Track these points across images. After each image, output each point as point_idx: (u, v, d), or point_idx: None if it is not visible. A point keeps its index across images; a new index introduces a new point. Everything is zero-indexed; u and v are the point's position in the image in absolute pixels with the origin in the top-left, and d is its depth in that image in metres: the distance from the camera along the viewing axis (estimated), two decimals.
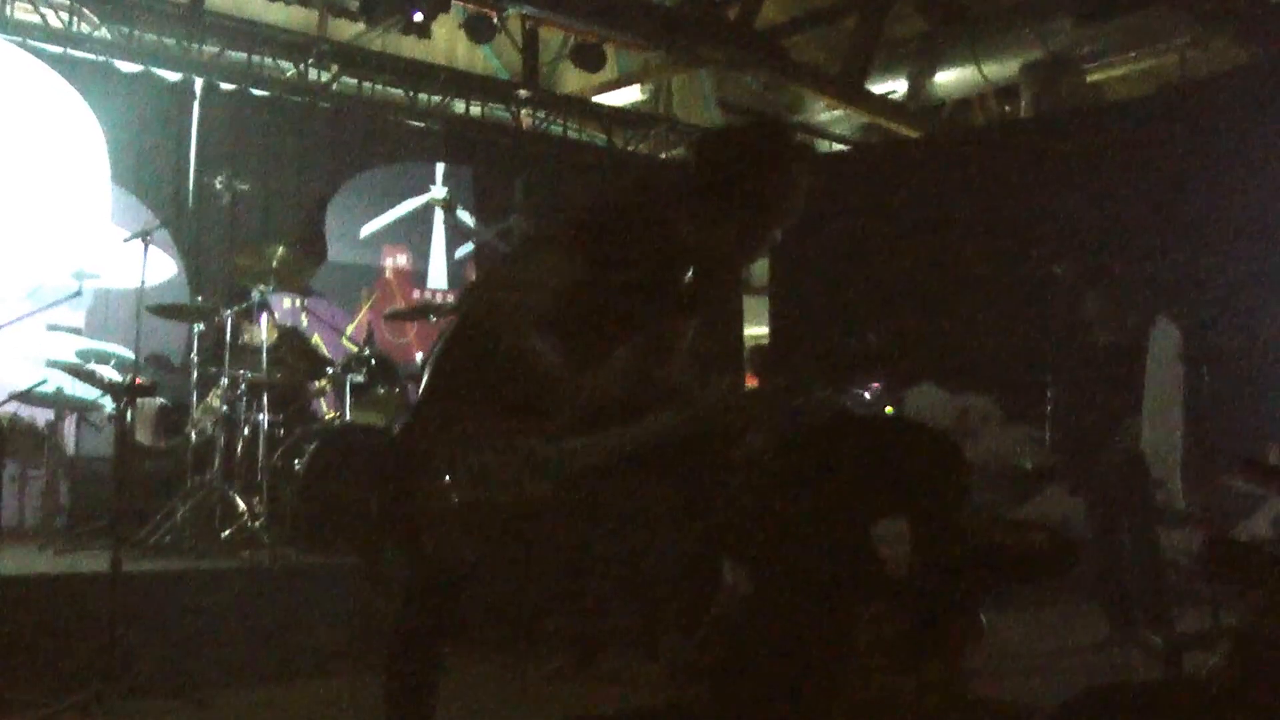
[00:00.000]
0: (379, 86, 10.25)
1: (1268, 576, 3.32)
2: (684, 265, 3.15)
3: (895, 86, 11.52)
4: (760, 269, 11.14)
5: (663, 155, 11.52)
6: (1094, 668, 5.34)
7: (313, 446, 6.75)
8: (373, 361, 7.52)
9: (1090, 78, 11.30)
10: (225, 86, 9.24)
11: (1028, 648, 5.46)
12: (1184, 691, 3.03)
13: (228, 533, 6.30)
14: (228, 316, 6.96)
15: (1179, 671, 4.48)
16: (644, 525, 3.07)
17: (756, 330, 11.56)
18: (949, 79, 11.34)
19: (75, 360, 7.19)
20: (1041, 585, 5.77)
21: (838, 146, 12.35)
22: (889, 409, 8.53)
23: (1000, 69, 11.08)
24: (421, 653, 3.07)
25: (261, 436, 6.73)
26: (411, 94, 10.34)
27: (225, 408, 6.74)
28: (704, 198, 3.04)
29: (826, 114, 11.98)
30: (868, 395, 8.50)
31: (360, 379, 7.31)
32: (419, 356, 6.05)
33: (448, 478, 2.82)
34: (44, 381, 6.72)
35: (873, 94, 11.43)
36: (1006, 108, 11.75)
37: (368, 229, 10.02)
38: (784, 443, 3.26)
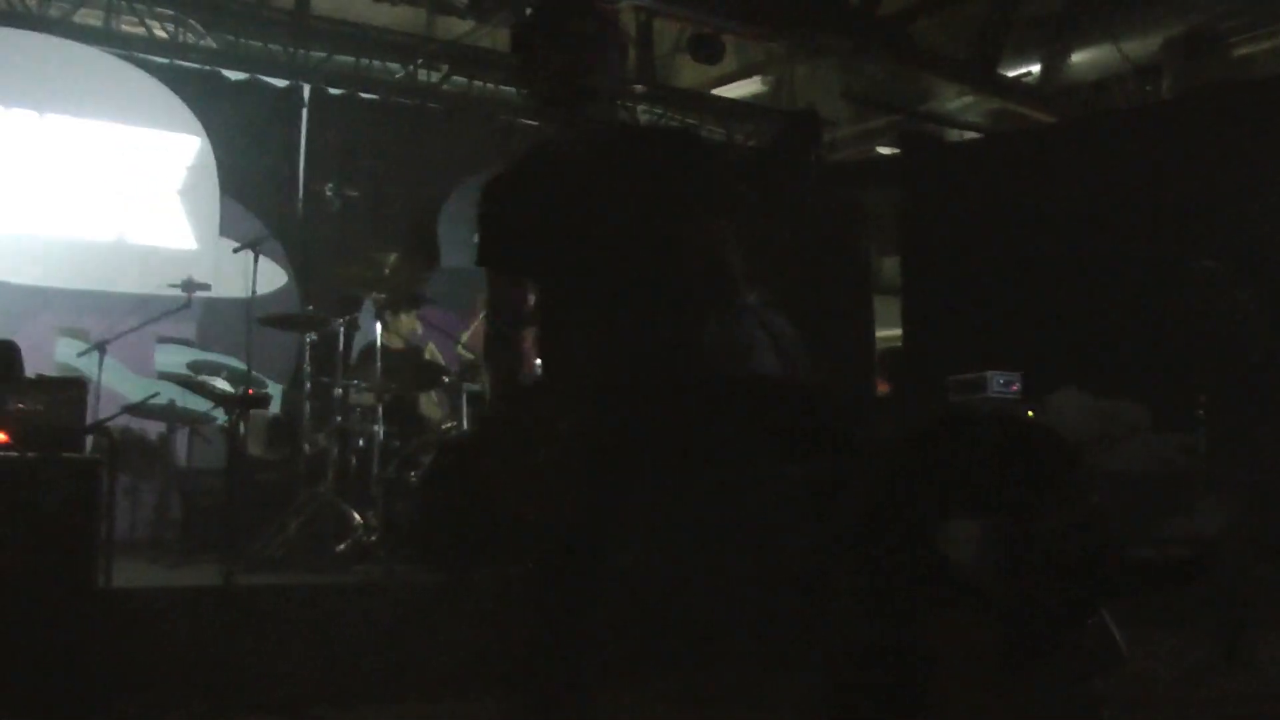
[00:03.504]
0: (490, 85, 10.05)
1: None
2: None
3: (1029, 69, 10.99)
4: (892, 267, 10.73)
5: None
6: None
7: (429, 459, 6.52)
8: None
9: (1237, 52, 10.66)
10: (333, 91, 9.13)
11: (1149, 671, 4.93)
12: None
13: (342, 547, 6.08)
14: (339, 326, 6.78)
15: None
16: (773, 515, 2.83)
17: (888, 332, 11.09)
18: (1086, 59, 10.78)
19: (186, 372, 7.21)
20: (1164, 597, 5.25)
21: (969, 135, 11.81)
22: (1030, 413, 8.02)
23: (1140, 46, 10.50)
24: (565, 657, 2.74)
25: (376, 448, 6.51)
26: (523, 91, 10.05)
27: (339, 419, 6.53)
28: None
29: (957, 101, 11.47)
30: (1004, 397, 7.99)
31: (477, 388, 7.06)
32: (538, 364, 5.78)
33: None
34: (156, 394, 6.74)
35: (1005, 78, 10.89)
36: (1148, 88, 11.14)
37: None
38: (885, 445, 2.97)
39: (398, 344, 7.45)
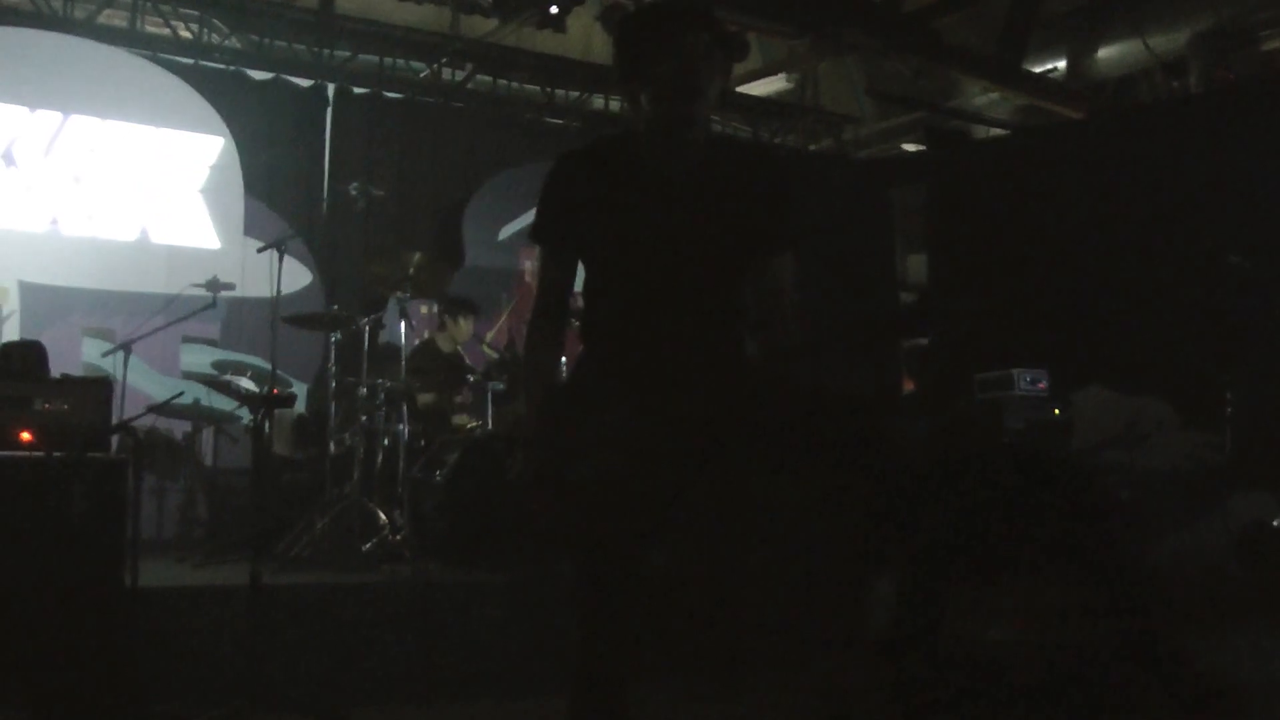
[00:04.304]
0: (514, 84, 10.07)
1: None
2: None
3: (1055, 65, 10.90)
4: (918, 264, 10.65)
5: (810, 147, 11.08)
6: None
7: (454, 458, 6.50)
8: (514, 368, 7.24)
9: (1266, 46, 10.55)
10: (358, 91, 9.14)
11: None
12: None
13: (368, 546, 6.04)
14: (364, 325, 6.77)
15: None
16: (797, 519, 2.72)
17: None
18: (1112, 54, 10.69)
19: (211, 371, 7.24)
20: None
21: (995, 132, 11.73)
22: (1055, 411, 7.95)
23: (1167, 41, 10.40)
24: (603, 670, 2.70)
25: (401, 448, 6.50)
26: (548, 90, 10.17)
27: (364, 418, 6.51)
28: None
29: (982, 97, 11.40)
30: (1031, 395, 7.90)
31: (501, 387, 7.04)
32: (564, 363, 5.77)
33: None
34: (181, 394, 6.68)
35: (1031, 74, 10.80)
36: (1175, 83, 11.03)
37: (506, 231, 9.79)
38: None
39: (449, 347, 7.47)
